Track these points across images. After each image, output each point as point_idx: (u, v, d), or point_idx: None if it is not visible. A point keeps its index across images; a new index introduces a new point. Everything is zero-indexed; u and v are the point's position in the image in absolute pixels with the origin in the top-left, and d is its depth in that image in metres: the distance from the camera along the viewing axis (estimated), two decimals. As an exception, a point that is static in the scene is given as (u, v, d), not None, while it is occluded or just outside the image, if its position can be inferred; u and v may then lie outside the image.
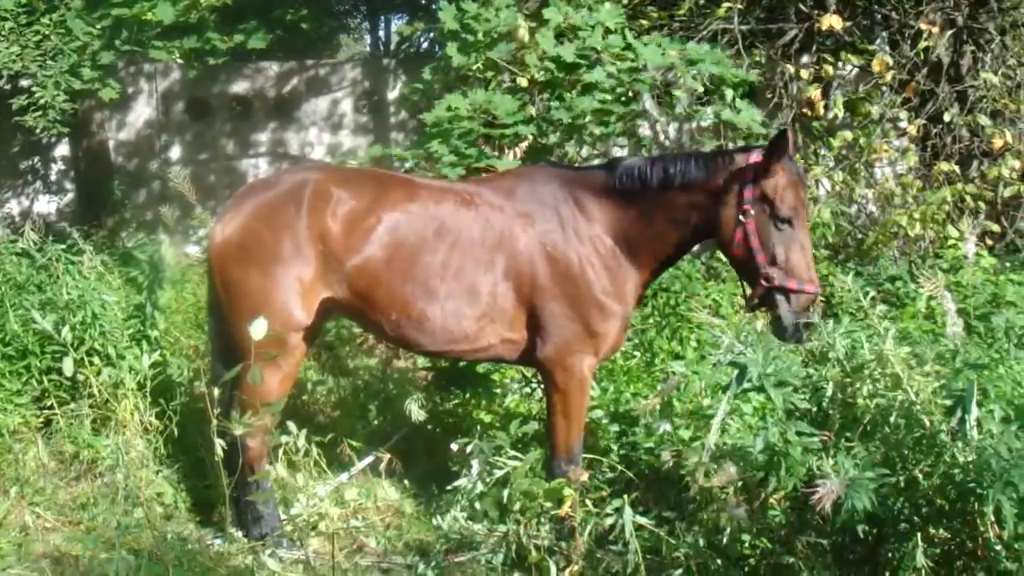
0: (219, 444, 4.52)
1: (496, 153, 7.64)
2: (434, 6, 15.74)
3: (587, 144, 8.08)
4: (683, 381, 5.71)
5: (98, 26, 10.37)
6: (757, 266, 5.37)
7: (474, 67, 7.92)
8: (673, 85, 8.66)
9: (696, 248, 6.64)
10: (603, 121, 7.63)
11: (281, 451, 4.70)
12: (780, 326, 5.31)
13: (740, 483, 4.91)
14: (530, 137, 7.44)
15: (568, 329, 5.65)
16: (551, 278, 5.64)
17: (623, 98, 7.80)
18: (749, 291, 5.48)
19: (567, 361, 5.68)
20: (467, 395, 7.22)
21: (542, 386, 6.15)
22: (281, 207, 5.66)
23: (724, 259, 8.30)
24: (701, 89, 8.27)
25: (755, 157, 5.40)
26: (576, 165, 7.47)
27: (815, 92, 9.71)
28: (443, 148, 7.30)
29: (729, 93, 7.91)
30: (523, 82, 7.71)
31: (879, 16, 10.57)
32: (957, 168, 9.59)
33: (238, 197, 5.89)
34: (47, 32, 10.18)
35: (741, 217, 5.37)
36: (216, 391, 4.49)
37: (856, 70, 10.54)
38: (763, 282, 5.35)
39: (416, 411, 6.51)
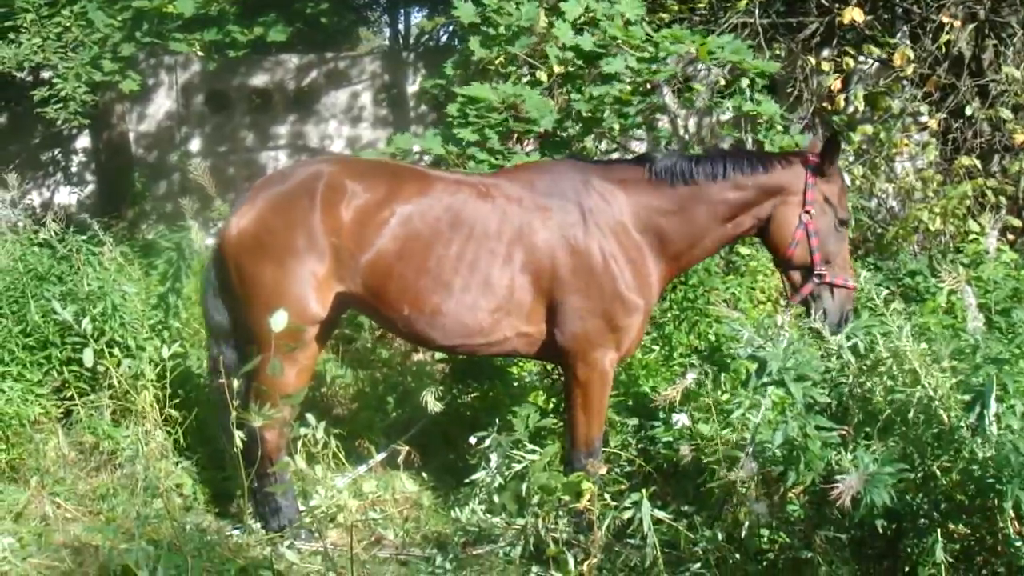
0: (238, 436, 4.55)
1: (517, 147, 7.63)
2: (454, -1, 15.79)
3: (606, 137, 8.07)
4: (702, 375, 5.69)
5: (119, 18, 10.42)
6: (813, 264, 5.67)
7: (495, 61, 7.90)
8: (693, 78, 8.65)
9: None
10: (622, 113, 7.61)
11: (300, 443, 4.71)
12: (827, 319, 5.53)
13: (759, 477, 4.91)
14: (547, 130, 7.41)
15: (590, 323, 5.63)
16: (572, 271, 5.62)
17: (641, 89, 7.78)
18: (799, 286, 5.76)
19: (589, 355, 5.67)
20: (485, 388, 7.22)
21: (562, 380, 6.14)
22: (295, 200, 5.65)
23: (742, 254, 8.37)
24: (722, 81, 8.26)
25: (812, 159, 5.69)
26: (599, 159, 7.47)
27: (834, 83, 9.67)
28: (473, 135, 7.26)
29: (745, 82, 7.87)
30: (543, 76, 7.70)
31: (900, 10, 10.53)
32: (978, 163, 9.53)
33: (254, 190, 5.88)
34: (68, 24, 10.23)
35: (803, 217, 5.62)
36: (235, 382, 4.52)
37: (877, 64, 10.50)
38: (815, 279, 5.69)
39: (432, 402, 6.52)
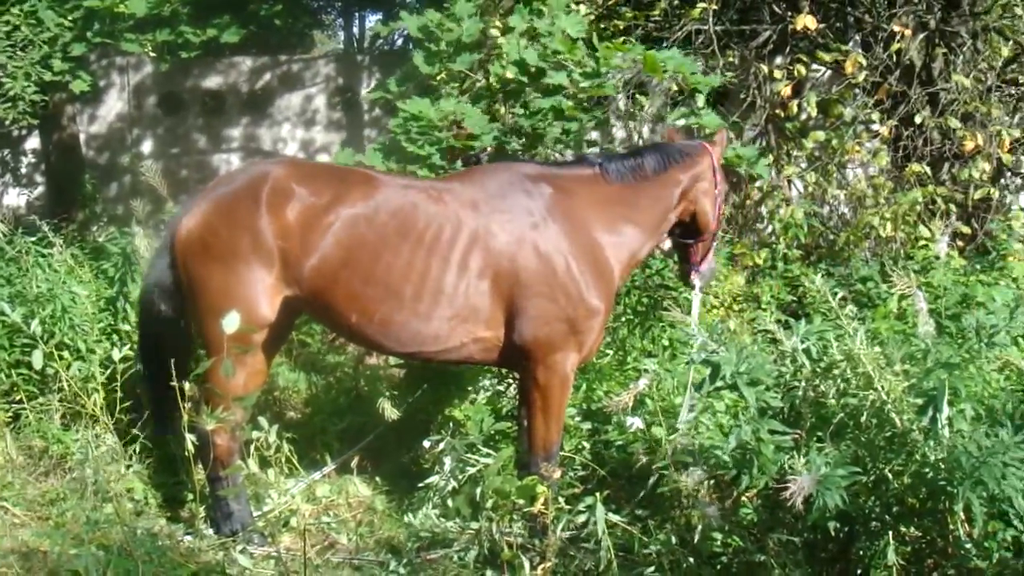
0: (190, 439, 4.51)
1: (458, 164, 7.61)
2: (408, 0, 15.76)
3: (549, 149, 8.07)
4: (655, 379, 5.72)
5: (70, 17, 10.30)
6: (714, 229, 6.29)
7: (437, 77, 7.86)
8: (646, 85, 8.68)
9: (668, 246, 6.73)
10: (565, 129, 7.60)
11: (253, 447, 4.68)
12: (707, 274, 6.44)
13: (712, 481, 4.92)
14: (489, 146, 7.39)
15: (553, 327, 5.62)
16: (535, 275, 5.60)
17: (585, 104, 7.77)
18: (706, 252, 6.35)
19: (550, 359, 5.66)
20: (439, 392, 7.20)
21: (518, 385, 6.13)
22: (240, 203, 5.59)
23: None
24: (675, 87, 8.29)
25: (716, 140, 6.38)
26: (550, 161, 7.47)
27: (786, 89, 9.75)
28: (419, 150, 7.23)
29: (701, 99, 7.91)
30: (492, 79, 7.64)
31: (852, 18, 10.62)
32: (928, 170, 9.64)
33: (204, 192, 5.84)
34: (17, 22, 10.10)
35: (716, 192, 6.15)
36: (187, 386, 4.47)
37: (829, 72, 10.59)
38: (713, 240, 6.35)
39: (389, 410, 6.50)
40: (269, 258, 5.53)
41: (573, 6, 8.13)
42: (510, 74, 7.53)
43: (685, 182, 6.04)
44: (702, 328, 5.28)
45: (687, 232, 6.24)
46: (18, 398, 6.82)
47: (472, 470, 5.66)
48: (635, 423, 5.58)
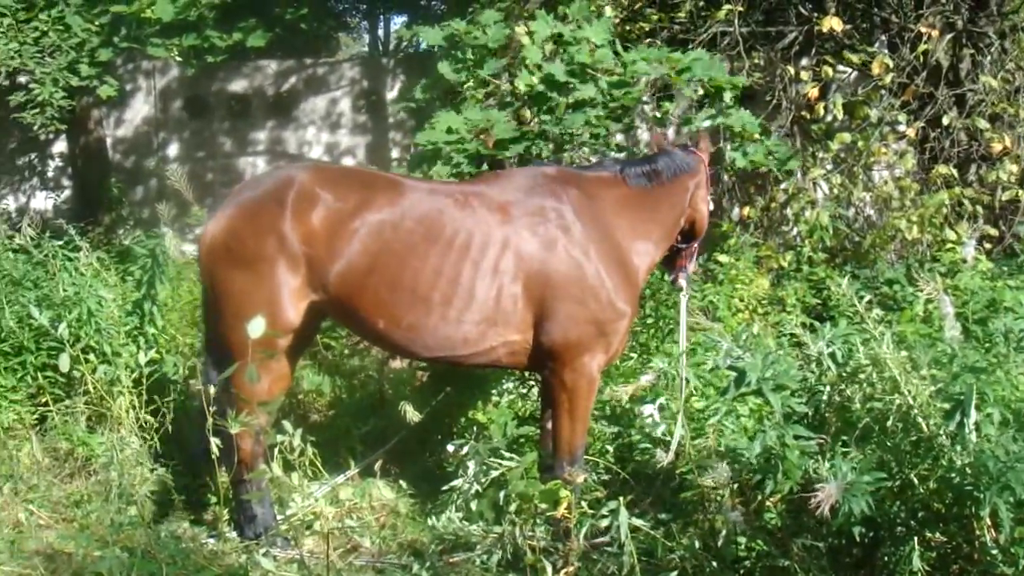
0: (214, 443, 4.52)
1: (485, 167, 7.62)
2: (433, 3, 15.78)
3: (581, 152, 8.07)
4: (661, 377, 5.73)
5: (97, 23, 10.39)
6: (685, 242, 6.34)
7: (465, 85, 7.87)
8: (669, 90, 8.66)
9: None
10: (594, 135, 7.60)
11: (276, 451, 4.68)
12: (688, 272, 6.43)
13: (736, 485, 4.90)
14: (519, 154, 7.41)
15: (581, 329, 5.60)
16: (566, 278, 5.58)
17: (614, 114, 7.76)
18: (693, 256, 6.42)
19: (577, 361, 5.64)
20: (463, 395, 7.20)
21: (542, 388, 6.12)
22: (265, 208, 5.58)
23: (721, 262, 8.42)
24: (700, 92, 8.27)
25: (703, 146, 6.39)
26: (575, 165, 7.47)
27: (812, 91, 9.71)
28: (443, 170, 7.27)
29: (728, 96, 7.90)
30: (519, 86, 7.64)
31: (878, 19, 10.56)
32: (955, 172, 9.58)
33: (229, 197, 5.85)
34: (46, 29, 10.19)
35: (710, 197, 6.36)
36: (211, 389, 4.49)
37: (855, 73, 10.54)
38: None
39: (411, 413, 6.50)
40: (294, 263, 5.53)
41: (597, 11, 8.11)
42: (535, 83, 7.53)
43: (691, 188, 6.13)
44: (716, 332, 5.27)
45: (689, 235, 6.33)
46: (44, 401, 6.86)
47: (495, 474, 5.66)
48: (650, 411, 5.56)
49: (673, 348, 6.94)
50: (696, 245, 6.37)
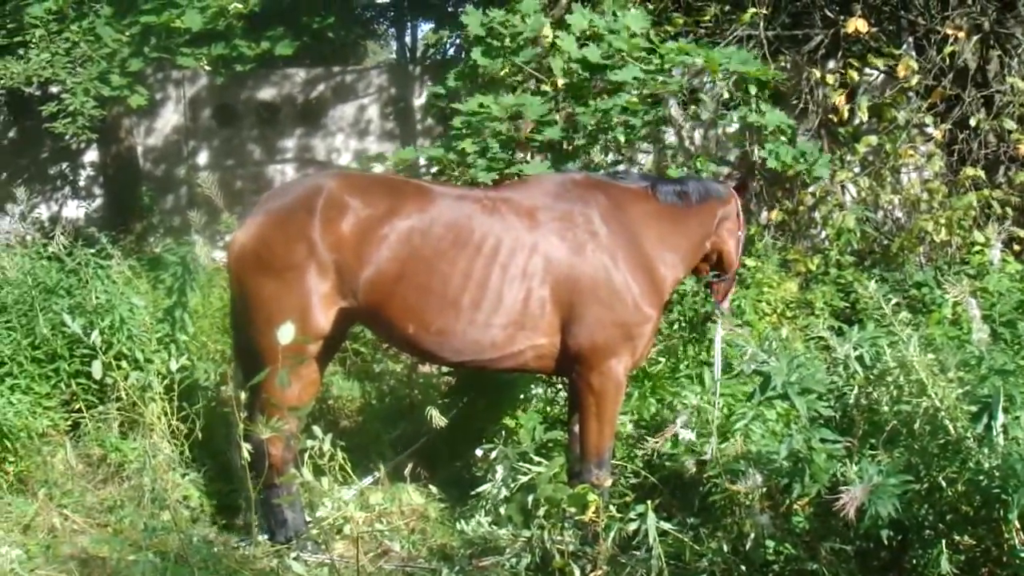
0: (245, 448, 4.56)
1: (523, 156, 7.63)
2: (460, 10, 15.82)
3: (611, 150, 8.09)
4: (693, 416, 5.74)
5: (127, 33, 10.47)
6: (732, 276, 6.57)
7: (501, 72, 7.92)
8: (699, 90, 8.67)
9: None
10: (629, 124, 7.62)
11: (307, 455, 4.72)
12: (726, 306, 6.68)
13: (764, 489, 4.91)
14: (552, 140, 7.43)
15: (608, 332, 5.66)
16: (594, 282, 5.64)
17: (649, 100, 7.79)
18: (727, 291, 6.63)
19: (604, 364, 5.69)
20: (491, 400, 7.22)
21: (569, 392, 6.16)
22: (294, 215, 5.64)
23: (748, 266, 8.42)
24: (726, 95, 8.28)
25: (736, 182, 6.65)
26: (604, 171, 7.50)
27: (840, 97, 9.69)
28: (473, 147, 7.32)
29: (753, 90, 7.89)
30: (548, 88, 7.72)
31: (905, 21, 10.54)
32: (983, 173, 9.55)
33: (258, 205, 5.91)
34: (77, 39, 10.28)
35: (739, 233, 6.42)
36: (243, 395, 4.54)
37: (882, 76, 10.51)
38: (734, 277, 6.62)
39: (437, 417, 6.53)
40: (324, 270, 5.58)
41: (632, 7, 8.16)
42: (561, 80, 7.58)
43: (719, 216, 6.25)
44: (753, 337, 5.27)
45: (720, 266, 6.44)
46: (78, 407, 6.91)
47: (524, 478, 5.68)
48: (687, 435, 5.58)
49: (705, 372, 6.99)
50: (729, 279, 6.51)
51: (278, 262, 5.60)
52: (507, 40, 7.77)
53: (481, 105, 7.40)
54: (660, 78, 7.60)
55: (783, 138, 7.98)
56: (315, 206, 5.61)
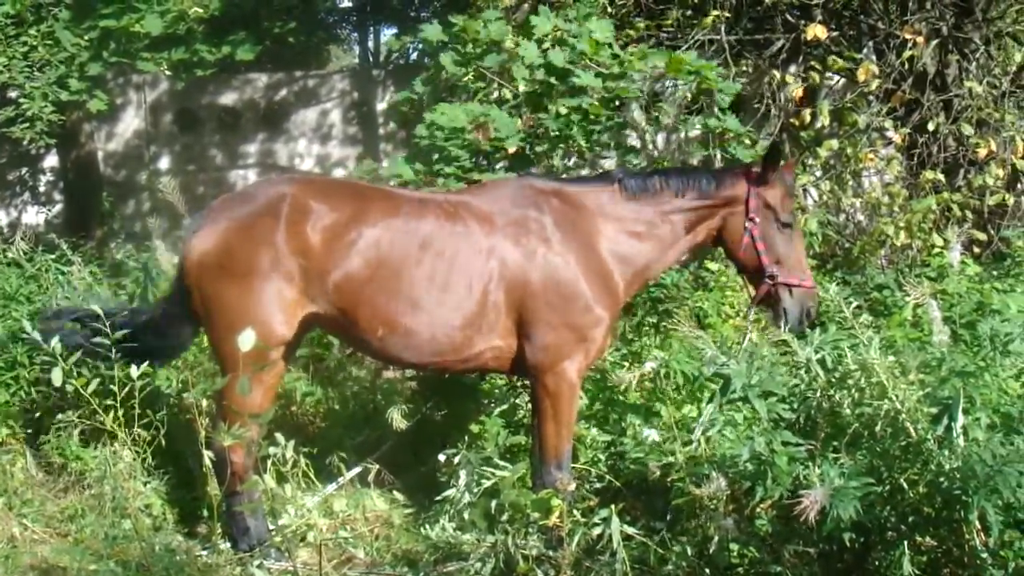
0: (207, 456, 4.54)
1: (484, 163, 7.65)
2: (424, 14, 15.82)
3: (574, 155, 8.11)
4: (662, 365, 5.78)
5: (86, 37, 10.41)
6: (763, 267, 5.95)
7: (465, 78, 7.93)
8: (661, 95, 8.71)
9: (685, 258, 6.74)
10: (590, 131, 7.65)
11: (269, 462, 4.70)
12: (787, 318, 5.91)
13: (727, 493, 4.92)
14: (515, 148, 7.45)
15: (560, 334, 5.73)
16: (544, 286, 5.72)
17: (610, 105, 7.82)
18: (754, 291, 6.07)
19: (558, 366, 5.76)
20: (455, 405, 7.22)
21: (529, 395, 6.18)
22: (259, 222, 5.64)
23: (711, 269, 8.43)
24: (689, 97, 8.32)
25: (754, 170, 6.00)
26: (565, 175, 7.52)
27: (797, 91, 9.76)
28: (445, 153, 7.33)
29: (724, 99, 7.93)
30: (508, 95, 7.73)
31: (865, 26, 10.61)
32: (943, 177, 9.62)
33: (213, 211, 5.86)
34: (35, 43, 10.21)
35: (747, 224, 5.93)
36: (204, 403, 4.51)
37: (843, 80, 10.58)
38: (768, 281, 5.94)
39: (398, 420, 6.53)
40: (290, 275, 5.59)
41: (595, 16, 8.18)
42: (523, 87, 7.60)
43: (704, 206, 5.99)
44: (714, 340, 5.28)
45: (734, 262, 6.32)
46: (38, 415, 6.85)
47: (488, 483, 5.67)
48: (650, 435, 5.60)
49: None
50: (760, 282, 6.00)
51: (241, 268, 5.58)
52: (470, 46, 7.80)
53: (444, 115, 7.41)
54: (621, 83, 7.63)
55: (745, 142, 8.01)
56: (280, 211, 5.62)
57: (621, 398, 6.64)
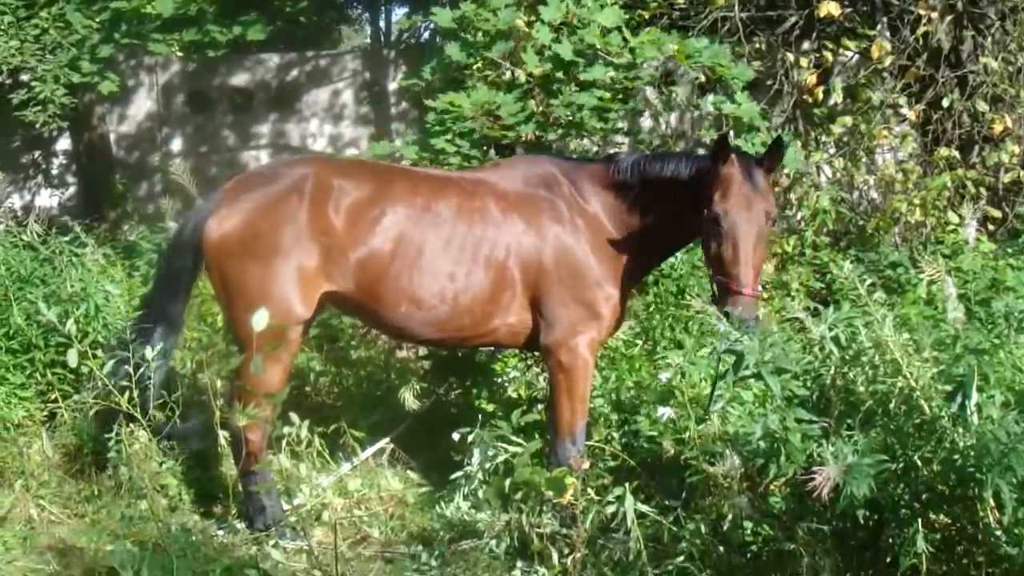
0: (222, 436, 4.55)
1: (492, 152, 7.65)
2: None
3: (587, 139, 8.10)
4: (677, 372, 5.77)
5: (97, 19, 10.41)
6: (709, 267, 5.62)
7: (474, 66, 7.92)
8: (674, 73, 8.68)
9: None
10: (602, 117, 7.64)
11: (284, 442, 4.72)
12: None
13: (741, 471, 4.93)
14: (527, 136, 7.45)
15: (573, 311, 5.81)
16: (557, 263, 5.80)
17: (621, 95, 7.81)
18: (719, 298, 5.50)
19: (571, 342, 5.83)
20: (468, 384, 7.23)
21: (544, 371, 6.21)
22: (283, 201, 5.66)
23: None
24: (702, 78, 8.29)
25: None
26: (576, 157, 7.50)
27: (810, 76, 9.71)
28: (449, 146, 7.35)
29: (737, 85, 7.90)
30: (521, 77, 7.71)
31: (879, 2, 10.55)
32: (957, 154, 9.57)
33: (231, 191, 5.85)
34: (46, 26, 10.21)
35: (707, 216, 5.47)
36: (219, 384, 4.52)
37: (857, 56, 10.52)
38: (714, 284, 5.54)
39: (410, 400, 6.55)
40: (310, 254, 5.63)
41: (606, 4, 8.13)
42: (535, 70, 7.58)
43: (693, 191, 5.59)
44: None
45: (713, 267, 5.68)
46: (54, 397, 6.88)
47: (502, 460, 5.69)
48: (666, 413, 5.59)
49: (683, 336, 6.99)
50: (718, 278, 5.49)
51: (265, 248, 5.61)
52: (479, 35, 7.78)
53: (452, 104, 7.41)
54: (631, 73, 7.60)
55: (758, 127, 7.97)
56: (304, 190, 5.67)
57: (634, 379, 6.66)
